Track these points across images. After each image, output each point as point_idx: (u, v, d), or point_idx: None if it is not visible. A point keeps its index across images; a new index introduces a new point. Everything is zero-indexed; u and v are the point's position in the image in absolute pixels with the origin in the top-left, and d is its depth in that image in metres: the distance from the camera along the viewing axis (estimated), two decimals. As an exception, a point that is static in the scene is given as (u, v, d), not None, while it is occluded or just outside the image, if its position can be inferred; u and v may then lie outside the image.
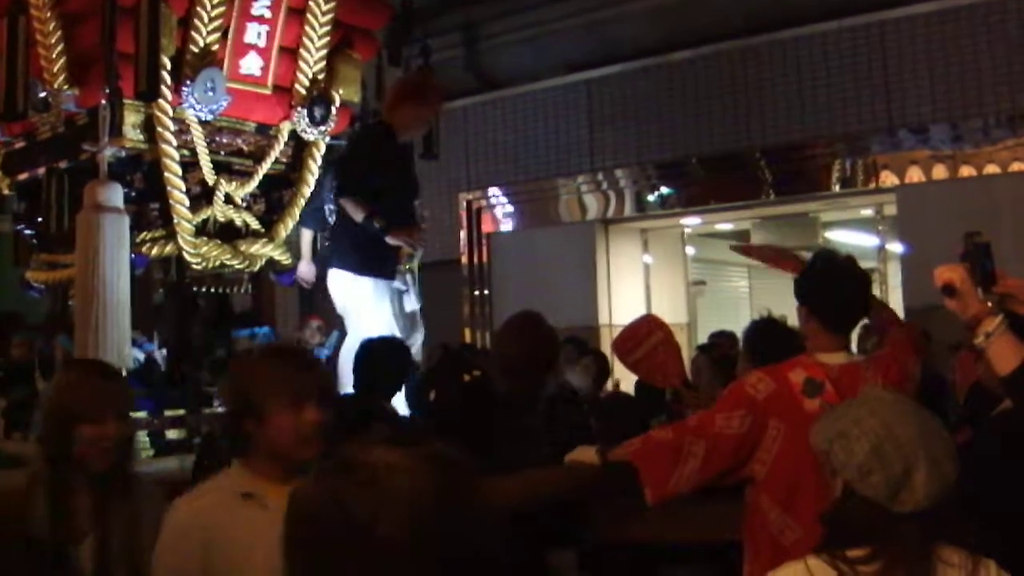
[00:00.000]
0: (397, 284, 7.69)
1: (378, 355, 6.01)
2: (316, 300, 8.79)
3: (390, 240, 7.25)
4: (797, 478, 3.73)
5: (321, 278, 7.93)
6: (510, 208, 13.42)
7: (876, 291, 11.60)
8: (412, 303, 7.82)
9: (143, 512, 3.62)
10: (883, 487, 2.50)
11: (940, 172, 10.50)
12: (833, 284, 4.11)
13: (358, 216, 7.16)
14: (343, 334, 7.84)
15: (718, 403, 4.00)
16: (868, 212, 12.04)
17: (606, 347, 11.87)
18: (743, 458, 3.82)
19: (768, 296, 12.68)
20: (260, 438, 3.16)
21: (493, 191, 13.38)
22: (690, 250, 13.80)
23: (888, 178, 10.87)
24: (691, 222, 13.34)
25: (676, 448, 3.81)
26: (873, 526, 2.53)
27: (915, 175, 10.65)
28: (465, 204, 13.35)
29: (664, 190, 12.41)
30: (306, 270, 7.97)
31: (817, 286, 4.13)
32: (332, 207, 7.49)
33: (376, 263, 7.40)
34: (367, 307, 7.43)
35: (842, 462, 2.58)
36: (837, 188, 11.28)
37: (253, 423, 3.15)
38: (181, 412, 7.05)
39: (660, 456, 3.82)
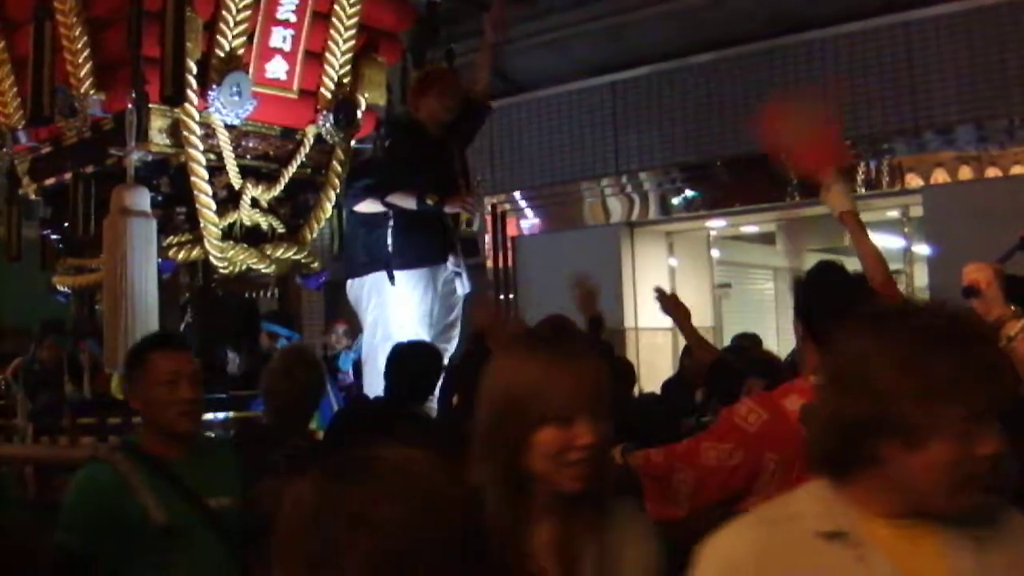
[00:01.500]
0: (450, 265, 7.76)
1: (408, 359, 5.99)
2: (342, 304, 8.79)
3: (448, 209, 7.37)
4: None
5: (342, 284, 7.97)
6: (535, 212, 13.42)
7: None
8: (464, 286, 7.86)
9: (626, 548, 2.66)
10: None
11: (966, 173, 10.46)
12: (832, 300, 3.83)
13: (409, 204, 7.36)
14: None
15: (709, 430, 3.91)
16: (894, 213, 11.99)
17: (631, 351, 11.90)
18: (737, 490, 3.72)
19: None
20: (902, 467, 2.08)
21: (518, 195, 13.38)
22: (715, 253, 13.78)
23: (914, 179, 10.84)
24: (716, 225, 13.32)
25: (666, 474, 3.75)
26: None
27: (941, 176, 10.61)
28: (490, 208, 13.32)
29: (689, 193, 12.39)
30: None
31: (814, 302, 3.92)
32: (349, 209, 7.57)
33: (413, 252, 7.47)
34: (399, 304, 7.48)
35: None
36: (862, 190, 11.23)
37: (897, 445, 2.07)
38: (209, 416, 7.05)
39: (653, 479, 3.78)
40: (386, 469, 1.77)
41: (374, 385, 7.05)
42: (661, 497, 3.74)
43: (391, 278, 7.55)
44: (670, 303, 5.56)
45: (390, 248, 7.58)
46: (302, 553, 1.74)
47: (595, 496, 2.56)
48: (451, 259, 7.73)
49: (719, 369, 5.34)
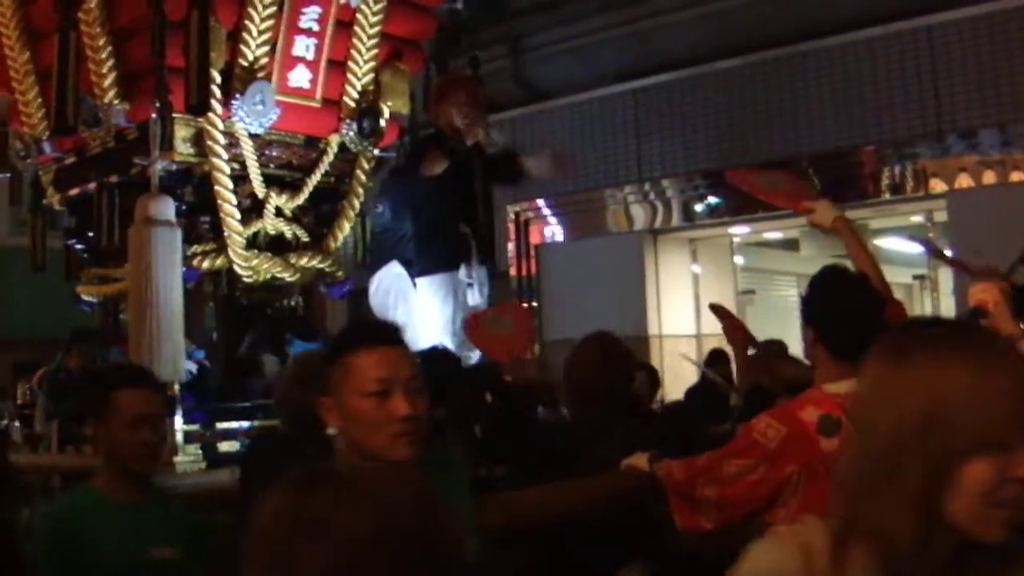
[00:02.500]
0: (462, 275, 7.69)
1: (430, 365, 5.96)
2: (365, 312, 8.79)
3: (469, 140, 7.62)
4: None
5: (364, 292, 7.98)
6: (558, 219, 13.42)
7: (927, 300, 11.61)
8: (475, 297, 7.77)
9: None
10: None
11: (990, 177, 10.42)
12: (841, 305, 3.83)
13: (439, 167, 7.56)
14: None
15: (729, 446, 3.89)
16: (918, 219, 11.95)
17: (656, 359, 11.87)
18: (761, 504, 3.71)
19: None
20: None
21: (540, 202, 13.38)
22: (739, 259, 13.75)
23: (938, 184, 10.80)
24: (740, 231, 13.29)
25: (689, 490, 3.76)
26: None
27: (965, 181, 10.58)
28: (513, 216, 13.35)
29: (712, 199, 12.37)
30: None
31: (824, 308, 3.88)
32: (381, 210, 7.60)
33: (433, 257, 7.48)
34: (423, 311, 7.50)
35: None
36: (887, 195, 11.21)
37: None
38: (234, 424, 7.06)
39: (679, 491, 3.78)
40: (346, 477, 1.81)
41: None
42: (688, 509, 3.74)
43: (411, 275, 7.59)
44: (726, 319, 5.46)
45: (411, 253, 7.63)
46: (261, 558, 1.76)
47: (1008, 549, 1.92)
48: (463, 269, 7.70)
49: (756, 395, 5.31)
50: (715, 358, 8.77)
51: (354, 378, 2.95)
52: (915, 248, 12.01)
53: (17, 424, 8.24)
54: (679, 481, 3.78)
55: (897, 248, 13.06)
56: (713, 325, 8.04)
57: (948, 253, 10.73)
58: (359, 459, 2.94)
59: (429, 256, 7.62)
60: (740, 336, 5.21)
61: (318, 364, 5.65)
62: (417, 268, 7.65)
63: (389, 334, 3.08)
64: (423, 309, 7.66)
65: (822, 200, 4.74)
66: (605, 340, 5.04)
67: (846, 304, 3.80)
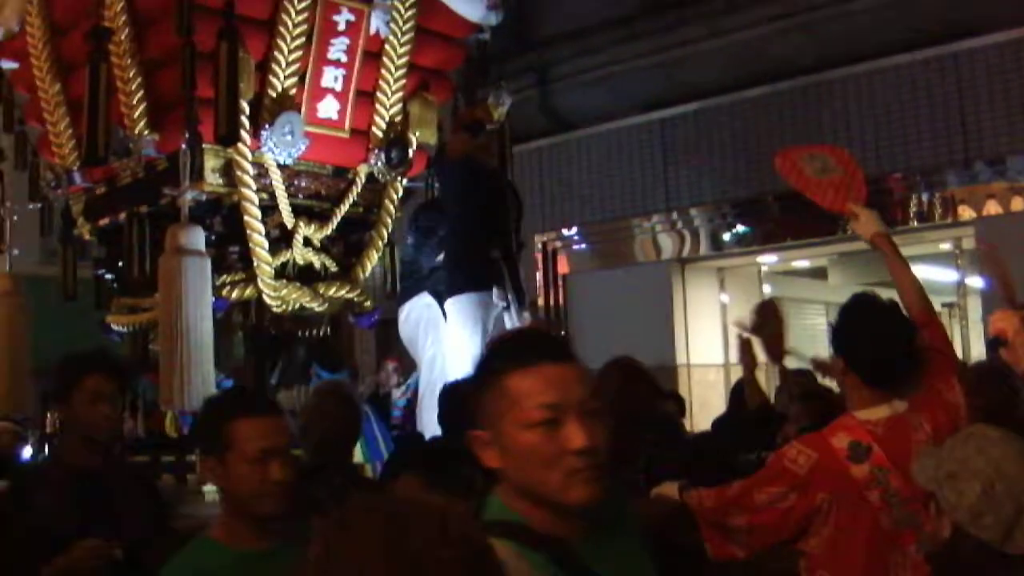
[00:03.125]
0: (496, 298, 7.63)
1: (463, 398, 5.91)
2: (393, 342, 8.80)
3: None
4: (856, 548, 3.61)
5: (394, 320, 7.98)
6: (585, 249, 13.42)
7: (956, 327, 11.56)
8: (512, 320, 7.68)
9: None
10: (996, 528, 2.44)
11: (1018, 204, 10.37)
12: (871, 332, 3.84)
13: (463, 144, 7.76)
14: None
15: (759, 474, 3.89)
16: (946, 246, 11.89)
17: (684, 388, 11.85)
18: (792, 532, 3.70)
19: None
20: None
21: (568, 232, 13.39)
22: (767, 288, 13.71)
23: (965, 211, 10.76)
24: (768, 260, 13.26)
25: (721, 518, 3.75)
26: (986, 569, 2.46)
27: (993, 208, 10.53)
28: (540, 246, 13.34)
29: (740, 228, 12.34)
30: None
31: (854, 335, 3.90)
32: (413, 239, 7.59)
33: (463, 278, 7.46)
34: (454, 338, 7.46)
35: (952, 504, 2.52)
36: (914, 222, 11.17)
37: None
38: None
39: (710, 520, 3.77)
40: (380, 521, 1.73)
41: (432, 423, 6.98)
42: (720, 538, 3.73)
43: (441, 305, 7.57)
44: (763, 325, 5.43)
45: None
46: None
47: None
48: (496, 291, 7.67)
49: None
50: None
51: (514, 405, 2.37)
52: (944, 275, 11.97)
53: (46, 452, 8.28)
54: (710, 509, 3.77)
55: (926, 276, 13.03)
56: (741, 353, 8.03)
57: (978, 281, 10.72)
58: (528, 504, 2.39)
59: (458, 277, 7.60)
60: (776, 344, 5.18)
61: (339, 396, 5.71)
62: (446, 291, 7.63)
63: (554, 348, 2.47)
64: (451, 332, 7.63)
65: (869, 210, 4.70)
66: (626, 365, 5.04)
67: (876, 332, 3.80)
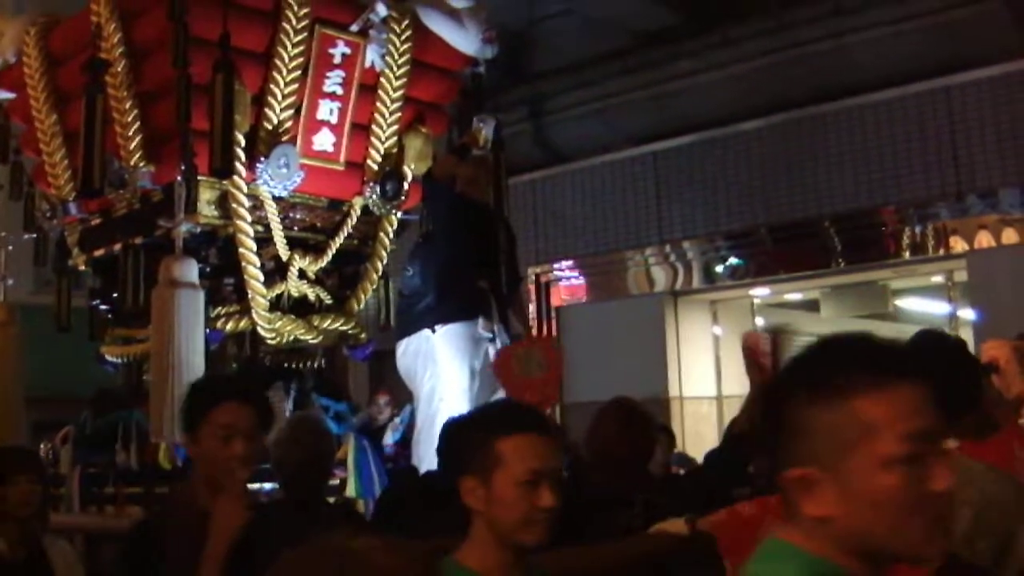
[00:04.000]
0: (481, 329, 7.45)
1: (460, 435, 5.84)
2: (387, 375, 8.79)
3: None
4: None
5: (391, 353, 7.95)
6: (579, 281, 13.42)
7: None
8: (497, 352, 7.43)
9: None
10: (989, 553, 2.46)
11: (1010, 236, 10.39)
12: (939, 371, 3.78)
13: (449, 166, 7.58)
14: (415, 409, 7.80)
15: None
16: (938, 279, 11.90)
17: (676, 421, 11.84)
18: None
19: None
20: None
21: (561, 264, 13.39)
22: (760, 321, 13.71)
23: (957, 243, 10.78)
24: (760, 293, 13.27)
25: (758, 526, 3.75)
26: None
27: (985, 240, 10.55)
28: (534, 277, 13.33)
29: (733, 261, 12.36)
30: None
31: None
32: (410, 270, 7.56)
33: (449, 307, 7.41)
34: (450, 370, 7.39)
35: None
36: (907, 255, 11.19)
37: None
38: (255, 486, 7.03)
39: (742, 530, 3.77)
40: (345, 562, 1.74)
41: (429, 456, 6.87)
42: (745, 549, 3.72)
43: (432, 330, 7.50)
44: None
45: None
46: None
47: None
48: (482, 322, 7.49)
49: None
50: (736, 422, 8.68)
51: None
52: (936, 307, 11.98)
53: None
54: (749, 518, 3.76)
55: (918, 308, 13.04)
56: (734, 386, 8.03)
57: (971, 313, 10.74)
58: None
59: (446, 306, 7.51)
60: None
61: (313, 426, 5.64)
62: (433, 320, 7.55)
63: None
64: (441, 363, 7.53)
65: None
66: (626, 407, 5.03)
67: (945, 370, 3.76)
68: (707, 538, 3.75)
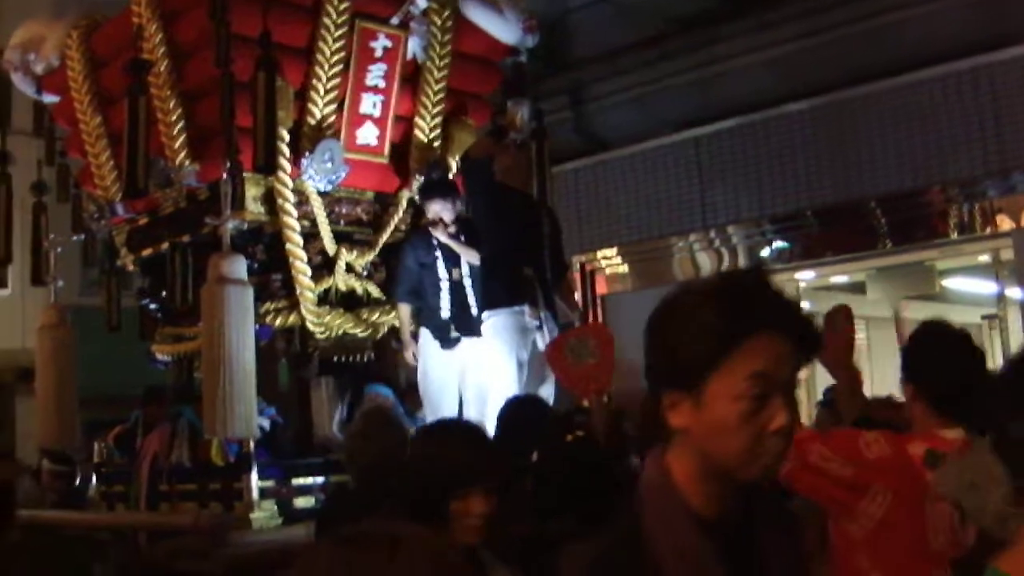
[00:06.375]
0: (527, 317, 7.44)
1: (515, 411, 5.84)
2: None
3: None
4: (904, 544, 3.58)
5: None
6: (623, 269, 13.39)
7: (996, 340, 11.50)
8: (544, 342, 7.42)
9: None
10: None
11: (1057, 213, 10.33)
12: (941, 361, 3.78)
13: (485, 148, 7.72)
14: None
15: (830, 435, 3.89)
16: (985, 258, 11.79)
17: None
18: (822, 502, 3.71)
19: (886, 349, 12.55)
20: None
21: (606, 252, 13.36)
22: (805, 304, 13.63)
23: (1004, 222, 10.68)
24: (806, 276, 13.19)
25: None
26: None
27: (1031, 217, 10.48)
28: (578, 266, 13.31)
29: (778, 244, 12.30)
30: (413, 348, 7.89)
31: (923, 362, 3.84)
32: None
33: (495, 294, 7.42)
34: (491, 349, 7.40)
35: (977, 511, 2.52)
36: (953, 234, 11.11)
37: None
38: (309, 480, 7.06)
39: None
40: (398, 542, 1.73)
41: None
42: None
43: (479, 328, 7.51)
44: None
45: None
46: None
47: None
48: (528, 310, 7.46)
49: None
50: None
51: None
52: (983, 287, 11.89)
53: (94, 482, 8.32)
54: None
55: (965, 288, 12.95)
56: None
57: (1018, 292, 10.66)
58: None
59: (491, 293, 7.50)
60: (843, 354, 4.92)
61: (384, 419, 5.65)
62: (480, 308, 7.55)
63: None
64: (490, 349, 7.50)
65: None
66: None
67: (945, 360, 3.77)
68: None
